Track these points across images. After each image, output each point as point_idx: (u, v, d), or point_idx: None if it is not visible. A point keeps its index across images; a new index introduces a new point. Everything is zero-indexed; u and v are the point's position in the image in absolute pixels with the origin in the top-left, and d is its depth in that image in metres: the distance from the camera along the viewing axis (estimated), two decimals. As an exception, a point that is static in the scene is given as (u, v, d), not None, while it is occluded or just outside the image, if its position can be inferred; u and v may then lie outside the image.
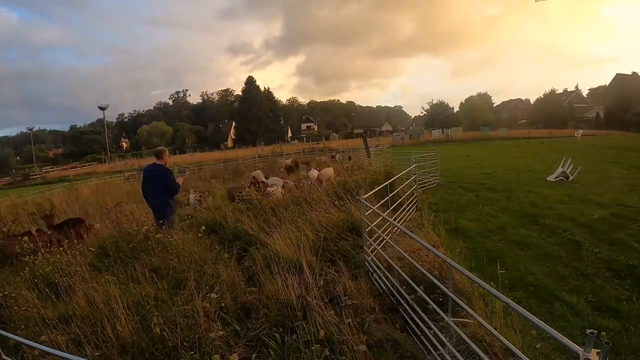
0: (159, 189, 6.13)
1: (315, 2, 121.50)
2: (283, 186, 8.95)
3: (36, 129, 76.47)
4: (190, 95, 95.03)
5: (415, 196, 8.00)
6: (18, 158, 65.45)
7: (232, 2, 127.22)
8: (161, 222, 5.74)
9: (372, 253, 4.56)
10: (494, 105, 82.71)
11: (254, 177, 9.05)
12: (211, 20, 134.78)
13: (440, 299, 3.33)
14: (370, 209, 4.44)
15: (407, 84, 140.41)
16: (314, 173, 11.18)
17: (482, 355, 2.28)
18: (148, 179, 6.31)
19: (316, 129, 79.29)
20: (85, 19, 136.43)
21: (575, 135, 34.30)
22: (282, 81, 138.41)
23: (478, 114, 68.11)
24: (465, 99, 76.92)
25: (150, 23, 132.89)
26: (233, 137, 75.17)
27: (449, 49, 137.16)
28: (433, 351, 3.00)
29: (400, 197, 6.73)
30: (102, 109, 58.68)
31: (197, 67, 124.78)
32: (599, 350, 1.42)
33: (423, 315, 3.12)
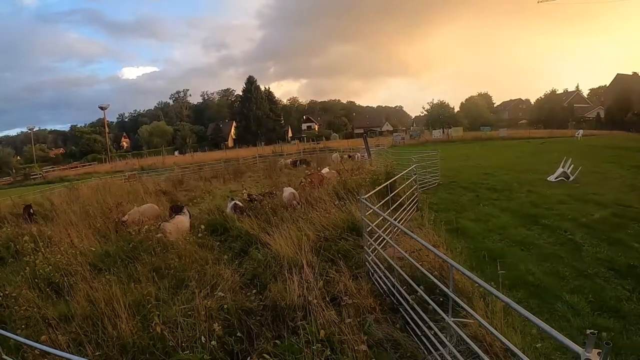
0: None
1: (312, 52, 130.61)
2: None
3: (36, 129, 76.54)
4: (190, 95, 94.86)
5: (416, 196, 7.99)
6: (19, 158, 65.41)
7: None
8: None
9: (372, 253, 4.55)
10: (495, 105, 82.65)
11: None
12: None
13: (441, 299, 3.32)
14: (371, 209, 4.44)
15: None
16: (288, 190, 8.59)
17: (483, 355, 2.28)
18: None
19: (316, 129, 79.15)
20: (142, 40, 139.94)
21: (576, 135, 34.17)
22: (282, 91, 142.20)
23: (478, 114, 68.03)
24: (466, 99, 76.81)
25: (200, 44, 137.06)
26: (233, 137, 75.07)
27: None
28: (433, 351, 3.00)
29: (401, 197, 6.72)
30: (103, 108, 58.61)
31: (205, 77, 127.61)
32: (600, 351, 1.42)
33: (423, 315, 3.12)
